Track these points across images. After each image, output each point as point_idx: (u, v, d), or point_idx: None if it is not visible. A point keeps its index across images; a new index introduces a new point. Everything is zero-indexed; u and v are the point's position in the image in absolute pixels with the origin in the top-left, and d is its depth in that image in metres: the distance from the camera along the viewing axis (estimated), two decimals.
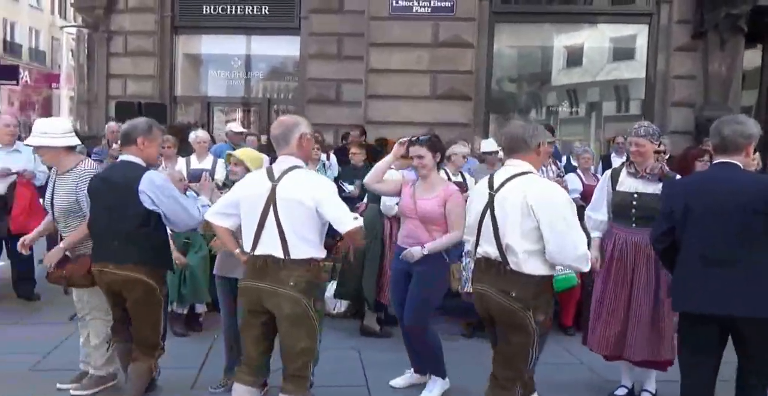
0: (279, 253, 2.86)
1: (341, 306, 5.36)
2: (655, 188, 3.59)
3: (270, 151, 7.64)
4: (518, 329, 2.77)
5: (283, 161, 2.95)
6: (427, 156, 3.65)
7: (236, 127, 8.58)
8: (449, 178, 6.00)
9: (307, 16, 10.18)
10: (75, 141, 3.66)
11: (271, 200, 2.86)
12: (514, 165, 2.89)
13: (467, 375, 3.77)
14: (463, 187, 6.13)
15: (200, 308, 4.91)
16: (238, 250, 3.05)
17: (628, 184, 3.69)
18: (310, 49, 10.15)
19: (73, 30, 11.38)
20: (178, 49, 10.91)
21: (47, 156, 3.66)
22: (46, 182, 4.12)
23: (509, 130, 3.01)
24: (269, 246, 2.87)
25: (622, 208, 3.70)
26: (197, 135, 6.40)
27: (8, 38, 29.76)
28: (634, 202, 3.65)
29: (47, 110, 30.51)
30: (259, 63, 11.30)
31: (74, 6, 11.26)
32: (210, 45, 11.31)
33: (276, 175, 2.90)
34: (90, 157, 6.25)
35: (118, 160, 3.45)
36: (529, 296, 2.76)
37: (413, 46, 9.05)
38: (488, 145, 6.50)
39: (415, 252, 3.59)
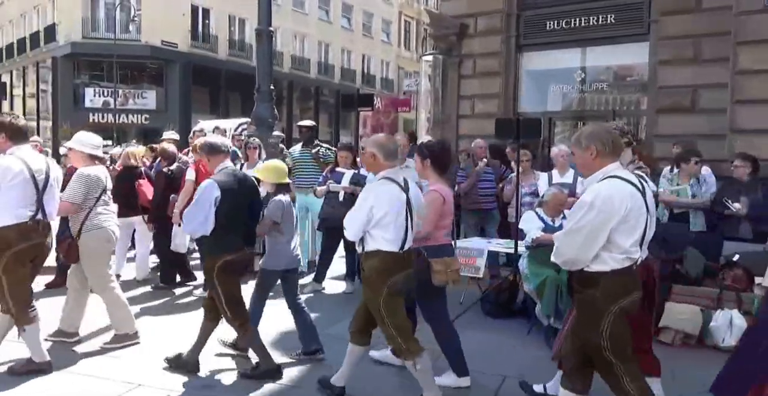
0: None
1: None
2: None
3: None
4: None
5: None
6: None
7: None
8: None
9: (658, 19, 9.55)
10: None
11: None
12: None
13: None
14: None
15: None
16: None
17: None
18: (662, 55, 9.48)
19: (430, 58, 12.58)
20: (521, 66, 11.24)
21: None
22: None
23: None
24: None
25: None
26: (560, 149, 6.44)
27: (365, 71, 34.81)
28: None
29: (393, 131, 34.57)
30: (601, 74, 10.95)
31: (431, 35, 12.53)
32: (551, 60, 11.26)
33: None
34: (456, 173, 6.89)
35: None
36: None
37: None
38: None
39: None
